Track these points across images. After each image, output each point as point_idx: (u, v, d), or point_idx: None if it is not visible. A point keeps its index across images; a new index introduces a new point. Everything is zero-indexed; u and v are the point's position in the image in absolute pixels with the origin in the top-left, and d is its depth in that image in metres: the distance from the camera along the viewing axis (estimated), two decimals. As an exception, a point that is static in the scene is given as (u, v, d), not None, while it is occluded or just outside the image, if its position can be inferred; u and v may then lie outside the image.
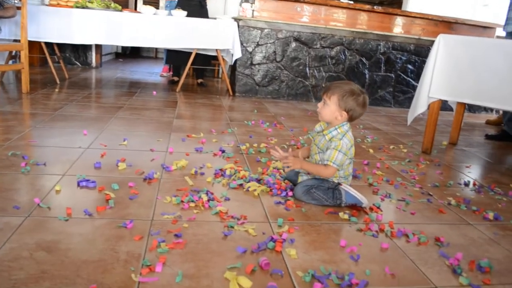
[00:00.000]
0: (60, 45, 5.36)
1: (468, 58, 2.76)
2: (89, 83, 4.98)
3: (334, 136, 1.90)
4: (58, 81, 4.63)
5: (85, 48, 6.36)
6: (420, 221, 1.85)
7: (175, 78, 5.55)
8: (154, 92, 4.64)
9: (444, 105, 3.91)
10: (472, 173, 2.68)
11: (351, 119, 1.92)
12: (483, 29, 5.68)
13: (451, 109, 3.84)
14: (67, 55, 6.28)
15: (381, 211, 1.91)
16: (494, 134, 3.95)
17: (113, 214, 1.61)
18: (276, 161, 2.46)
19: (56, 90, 4.24)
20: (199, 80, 5.61)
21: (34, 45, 5.31)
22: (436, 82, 2.89)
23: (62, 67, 5.11)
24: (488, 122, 4.84)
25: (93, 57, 6.45)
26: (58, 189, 1.79)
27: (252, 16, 4.93)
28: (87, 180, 1.88)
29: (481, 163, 3.01)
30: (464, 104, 3.43)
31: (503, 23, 3.75)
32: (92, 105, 3.69)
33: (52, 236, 1.40)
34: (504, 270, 1.49)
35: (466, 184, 2.44)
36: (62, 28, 4.30)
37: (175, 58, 5.41)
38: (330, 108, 1.89)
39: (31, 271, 1.20)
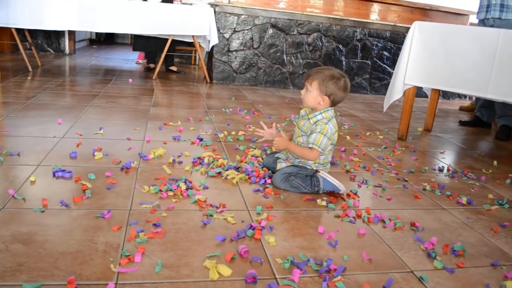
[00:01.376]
0: (31, 31, 5.22)
1: (442, 45, 2.80)
2: (62, 70, 4.88)
3: (319, 120, 1.92)
4: (30, 69, 4.52)
5: (58, 34, 6.21)
6: (396, 206, 1.89)
7: (151, 65, 5.47)
8: (130, 80, 4.57)
9: (419, 92, 3.96)
10: (446, 159, 2.74)
11: (333, 103, 1.94)
12: (456, 16, 5.76)
13: (426, 96, 3.90)
14: (39, 41, 6.13)
15: (358, 197, 1.94)
16: (467, 120, 4.03)
17: (90, 205, 1.59)
18: (255, 148, 2.46)
19: (29, 78, 4.14)
20: (174, 68, 5.51)
21: (4, 31, 5.17)
22: (411, 69, 2.92)
23: (34, 54, 4.98)
24: (462, 109, 4.94)
25: (66, 43, 6.31)
26: (33, 180, 1.76)
27: (229, 2, 4.89)
28: (63, 170, 1.85)
29: (455, 149, 3.07)
30: (439, 90, 3.49)
31: (476, 10, 3.81)
32: (67, 93, 3.62)
33: (28, 228, 1.38)
34: (477, 253, 1.54)
35: (441, 170, 2.49)
36: (33, 13, 4.17)
37: (145, 45, 5.28)
38: (312, 94, 1.91)
39: (7, 264, 1.18)
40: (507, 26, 3.45)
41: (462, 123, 3.96)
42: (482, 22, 3.69)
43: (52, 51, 6.25)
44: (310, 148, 1.89)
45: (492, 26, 3.57)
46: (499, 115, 3.66)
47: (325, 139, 1.88)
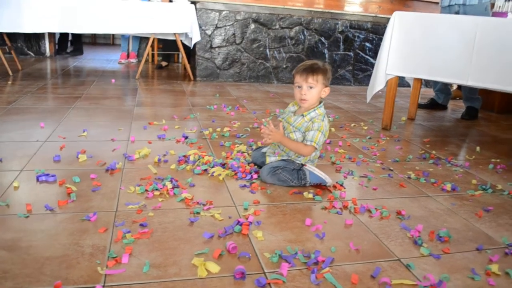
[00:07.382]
0: (10, 35, 5.13)
1: (422, 34, 2.82)
2: (44, 73, 4.81)
3: (314, 117, 1.91)
4: (10, 73, 4.45)
5: (38, 37, 6.12)
6: (382, 196, 1.91)
7: (163, 63, 5.91)
8: (113, 80, 4.53)
9: (401, 82, 3.99)
10: (430, 147, 2.76)
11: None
12: (436, 5, 5.79)
13: (409, 85, 3.93)
14: (19, 45, 6.03)
15: (344, 188, 1.95)
16: (425, 103, 4.13)
17: (75, 208, 1.58)
18: (240, 144, 2.46)
19: (9, 82, 4.07)
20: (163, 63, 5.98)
21: (-18, 36, 5.07)
22: (393, 59, 2.94)
23: (14, 57, 4.90)
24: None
25: (47, 46, 6.22)
26: (17, 186, 1.74)
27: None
28: (47, 175, 1.83)
29: (438, 136, 3.10)
30: (421, 79, 3.52)
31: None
32: (48, 96, 3.58)
33: (12, 234, 1.36)
34: (462, 238, 1.56)
35: (425, 158, 2.51)
36: (11, 16, 4.09)
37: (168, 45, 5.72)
38: (317, 89, 1.90)
39: (-8, 271, 1.16)
40: (472, 11, 3.49)
41: (420, 106, 3.98)
42: (447, 9, 3.71)
43: (32, 54, 6.16)
44: (306, 144, 1.89)
45: (457, 12, 3.62)
46: (466, 98, 3.85)
47: (322, 136, 1.88)
